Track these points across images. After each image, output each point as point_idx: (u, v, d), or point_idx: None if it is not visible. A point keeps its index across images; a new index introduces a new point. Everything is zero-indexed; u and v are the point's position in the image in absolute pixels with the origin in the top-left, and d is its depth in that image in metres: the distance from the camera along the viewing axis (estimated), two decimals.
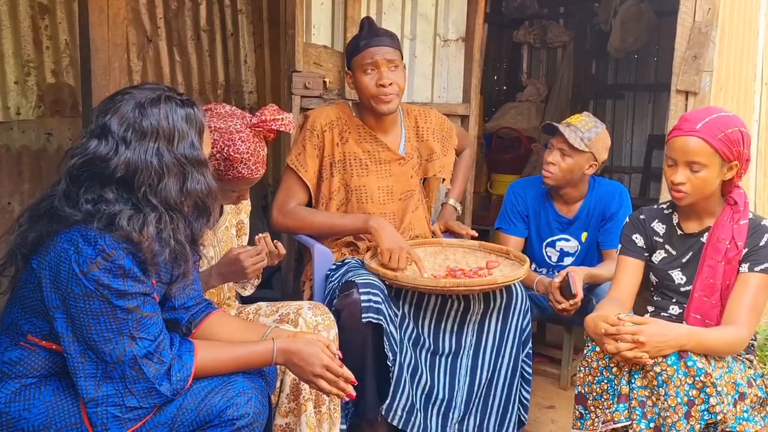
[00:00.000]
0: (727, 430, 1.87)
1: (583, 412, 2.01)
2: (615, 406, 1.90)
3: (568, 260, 2.94)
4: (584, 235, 2.92)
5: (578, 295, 2.56)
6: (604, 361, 1.93)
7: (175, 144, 1.53)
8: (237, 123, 1.94)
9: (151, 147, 1.50)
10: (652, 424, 1.86)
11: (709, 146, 1.96)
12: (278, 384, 2.02)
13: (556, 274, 2.69)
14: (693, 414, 1.82)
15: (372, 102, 2.56)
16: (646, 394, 1.87)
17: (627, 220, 2.27)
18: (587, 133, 2.72)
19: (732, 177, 2.04)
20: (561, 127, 2.74)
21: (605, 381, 1.94)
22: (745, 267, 2.01)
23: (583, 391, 2.00)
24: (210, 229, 2.14)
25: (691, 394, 1.82)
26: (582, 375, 2.00)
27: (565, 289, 2.58)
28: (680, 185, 2.01)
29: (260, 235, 2.09)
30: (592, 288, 2.70)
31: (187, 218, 1.57)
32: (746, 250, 2.02)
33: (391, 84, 2.52)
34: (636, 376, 1.88)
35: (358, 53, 2.55)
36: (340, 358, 1.75)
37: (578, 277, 2.59)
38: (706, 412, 1.83)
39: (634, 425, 1.86)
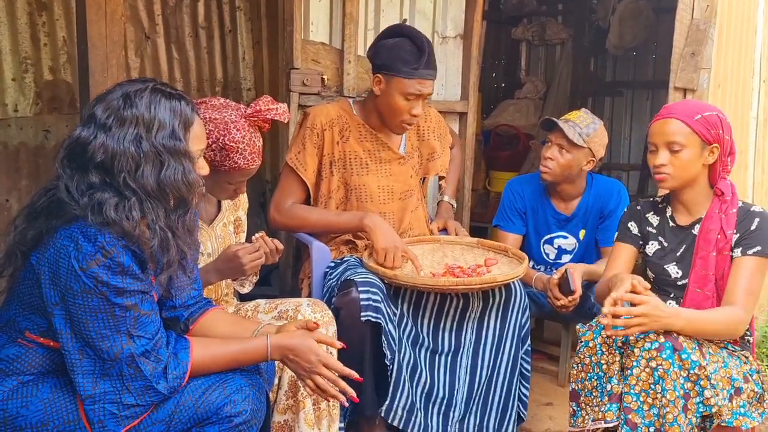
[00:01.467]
0: (723, 424, 1.88)
1: (575, 409, 2.02)
2: (607, 405, 1.91)
3: (565, 258, 2.94)
4: (582, 233, 2.92)
5: (577, 291, 2.56)
6: (596, 357, 1.95)
7: (154, 132, 1.53)
8: (231, 113, 1.95)
9: (129, 133, 1.51)
10: (652, 429, 1.86)
11: (686, 126, 2.03)
12: (276, 381, 2.02)
13: (554, 271, 2.69)
14: (689, 407, 1.83)
15: (394, 124, 2.57)
16: (641, 398, 1.87)
17: (625, 209, 2.31)
18: (585, 128, 2.73)
19: (715, 163, 2.08)
20: (559, 122, 2.74)
21: (595, 377, 1.96)
22: (738, 252, 2.04)
23: (576, 388, 2.01)
24: (207, 225, 2.14)
25: (686, 387, 1.84)
26: (575, 372, 2.01)
27: (564, 285, 2.58)
28: (661, 167, 2.07)
29: (257, 234, 2.10)
30: (590, 285, 2.70)
31: (167, 208, 1.57)
32: (738, 235, 2.05)
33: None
34: (630, 374, 1.88)
35: (407, 76, 2.45)
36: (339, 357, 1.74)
37: (577, 273, 2.60)
38: (701, 405, 1.84)
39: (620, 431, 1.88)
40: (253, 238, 2.09)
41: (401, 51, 2.47)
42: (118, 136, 1.50)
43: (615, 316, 1.85)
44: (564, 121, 2.76)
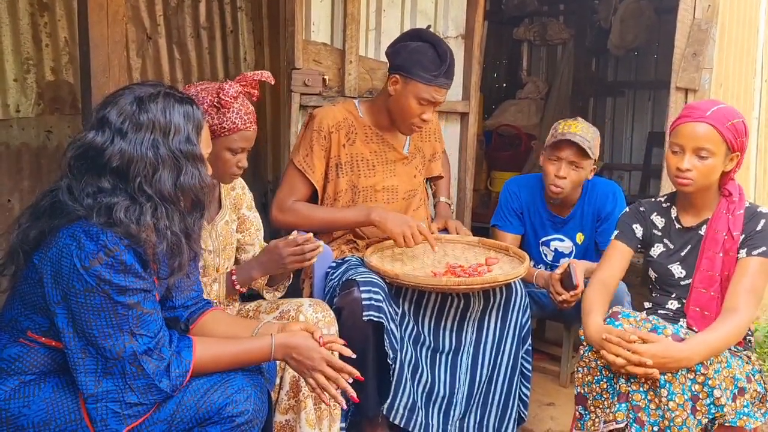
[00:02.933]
0: (727, 425, 1.87)
1: (583, 412, 2.00)
2: (617, 405, 1.89)
3: (563, 261, 2.93)
4: (580, 237, 2.91)
5: (579, 286, 2.55)
6: (602, 360, 1.93)
7: (171, 137, 1.55)
8: (221, 83, 2.01)
9: (147, 139, 1.52)
10: (656, 428, 1.85)
11: (718, 133, 1.99)
12: (278, 381, 2.02)
13: (557, 266, 2.68)
14: (699, 408, 1.83)
15: (403, 125, 2.59)
16: (648, 397, 1.86)
17: (627, 209, 2.27)
18: (591, 139, 2.71)
19: (731, 169, 2.06)
20: (576, 138, 2.65)
21: (605, 380, 1.94)
22: (743, 252, 2.03)
23: (582, 392, 1.99)
24: (207, 223, 2.15)
25: (694, 389, 1.83)
26: (581, 375, 2.00)
27: (566, 280, 2.57)
28: (687, 172, 2.02)
29: (300, 233, 2.14)
30: None
31: (181, 212, 1.58)
32: (743, 236, 2.04)
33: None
34: (633, 379, 1.88)
35: (425, 82, 2.46)
36: (341, 356, 1.74)
37: (579, 268, 2.59)
38: (712, 406, 1.83)
39: (629, 430, 1.86)
40: (293, 234, 2.14)
41: (423, 57, 2.48)
42: (135, 141, 1.51)
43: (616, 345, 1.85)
44: (573, 135, 2.68)
